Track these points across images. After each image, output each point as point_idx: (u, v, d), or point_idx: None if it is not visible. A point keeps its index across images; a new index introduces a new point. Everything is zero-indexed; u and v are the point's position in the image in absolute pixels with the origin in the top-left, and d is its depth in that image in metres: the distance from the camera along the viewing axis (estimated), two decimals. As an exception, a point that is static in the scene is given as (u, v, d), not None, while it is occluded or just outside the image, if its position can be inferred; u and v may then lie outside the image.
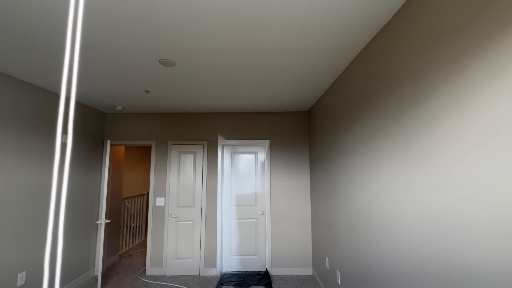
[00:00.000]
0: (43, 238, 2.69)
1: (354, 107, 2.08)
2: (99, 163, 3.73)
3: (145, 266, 3.87)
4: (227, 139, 3.84)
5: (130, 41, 1.75)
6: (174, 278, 3.49)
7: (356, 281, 2.03)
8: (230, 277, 3.43)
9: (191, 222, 3.68)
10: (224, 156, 3.82)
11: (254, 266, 3.62)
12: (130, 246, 4.72)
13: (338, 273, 2.43)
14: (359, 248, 1.98)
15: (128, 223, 4.86)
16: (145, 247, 4.73)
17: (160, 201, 3.73)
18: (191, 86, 2.69)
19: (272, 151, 3.81)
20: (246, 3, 1.37)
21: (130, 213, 4.90)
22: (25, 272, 2.49)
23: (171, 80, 2.51)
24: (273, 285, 3.26)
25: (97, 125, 3.70)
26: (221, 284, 3.22)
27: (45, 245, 2.68)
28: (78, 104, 3.28)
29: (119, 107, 3.53)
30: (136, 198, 5.22)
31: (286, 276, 3.51)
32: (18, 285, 2.41)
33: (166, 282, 3.37)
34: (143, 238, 5.25)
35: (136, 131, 3.87)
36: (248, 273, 3.52)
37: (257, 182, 3.76)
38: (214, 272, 3.59)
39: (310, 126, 3.68)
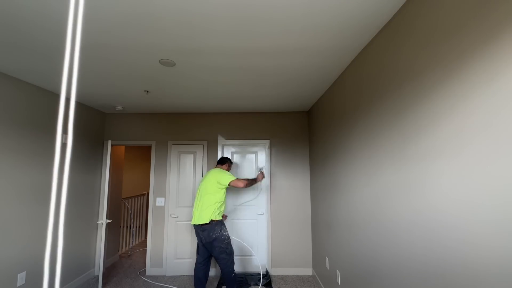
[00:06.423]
0: (43, 238, 2.69)
1: (354, 107, 2.08)
2: (99, 163, 3.72)
3: (145, 266, 3.87)
4: (227, 139, 3.84)
5: (130, 41, 1.75)
6: (174, 278, 3.49)
7: (356, 281, 2.03)
8: (230, 277, 3.42)
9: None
10: (224, 156, 3.81)
11: (254, 266, 3.62)
12: (130, 246, 4.72)
13: (338, 273, 2.43)
14: (359, 248, 1.98)
15: (128, 223, 4.86)
16: (145, 247, 4.73)
17: (160, 201, 3.73)
18: (191, 86, 2.69)
19: (272, 151, 3.81)
20: None
21: (130, 213, 4.89)
22: (25, 272, 2.48)
23: (171, 80, 2.51)
24: (273, 285, 3.26)
25: (97, 125, 3.70)
26: (221, 284, 3.22)
27: (45, 245, 2.67)
28: (78, 104, 3.28)
29: (119, 107, 3.53)
30: (136, 198, 5.22)
31: (286, 276, 3.51)
32: (18, 285, 2.41)
33: (166, 282, 3.37)
34: (143, 238, 5.25)
35: (136, 131, 3.87)
36: (248, 273, 3.52)
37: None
38: (214, 272, 3.58)
39: (310, 126, 3.67)
